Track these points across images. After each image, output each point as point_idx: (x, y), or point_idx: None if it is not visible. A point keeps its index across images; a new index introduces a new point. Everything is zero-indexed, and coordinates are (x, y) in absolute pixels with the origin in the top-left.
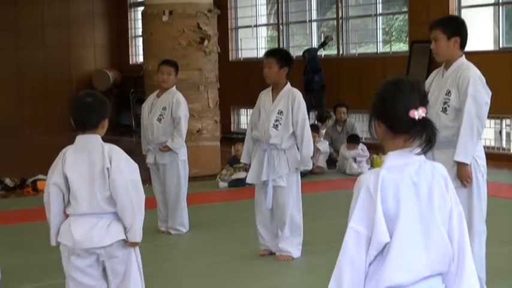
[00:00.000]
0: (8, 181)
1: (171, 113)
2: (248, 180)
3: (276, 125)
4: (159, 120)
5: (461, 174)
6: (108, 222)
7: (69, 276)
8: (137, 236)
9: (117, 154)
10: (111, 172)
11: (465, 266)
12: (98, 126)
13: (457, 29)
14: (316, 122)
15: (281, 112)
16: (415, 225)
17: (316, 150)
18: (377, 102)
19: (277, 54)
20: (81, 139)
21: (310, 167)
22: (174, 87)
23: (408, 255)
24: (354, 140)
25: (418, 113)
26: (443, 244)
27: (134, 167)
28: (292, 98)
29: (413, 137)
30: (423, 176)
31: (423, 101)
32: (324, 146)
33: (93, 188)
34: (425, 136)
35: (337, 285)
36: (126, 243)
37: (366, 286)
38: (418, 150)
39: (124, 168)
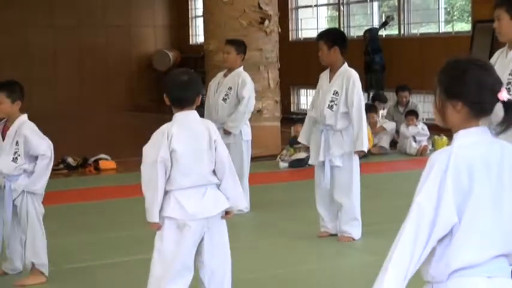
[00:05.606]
0: (70, 160)
1: (237, 94)
2: (310, 162)
3: (331, 105)
4: (225, 100)
5: None
6: (213, 191)
7: (176, 258)
8: (244, 202)
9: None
10: (217, 144)
11: None
12: (194, 102)
13: None
14: (375, 102)
15: (336, 93)
16: (486, 205)
17: (382, 130)
18: (458, 82)
19: (324, 36)
20: (182, 115)
21: (365, 149)
22: (242, 68)
23: (479, 235)
24: (412, 113)
25: (504, 95)
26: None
27: None
28: (347, 79)
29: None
30: (493, 154)
31: (501, 83)
32: (391, 126)
33: (202, 161)
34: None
35: (403, 257)
36: (228, 214)
37: (433, 268)
38: (491, 130)
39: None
